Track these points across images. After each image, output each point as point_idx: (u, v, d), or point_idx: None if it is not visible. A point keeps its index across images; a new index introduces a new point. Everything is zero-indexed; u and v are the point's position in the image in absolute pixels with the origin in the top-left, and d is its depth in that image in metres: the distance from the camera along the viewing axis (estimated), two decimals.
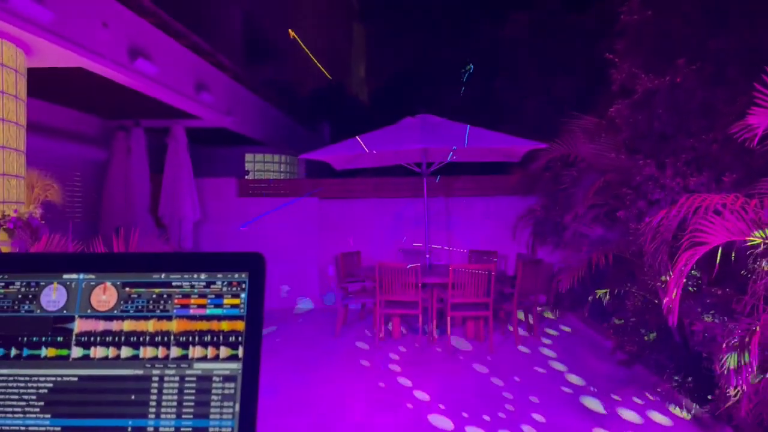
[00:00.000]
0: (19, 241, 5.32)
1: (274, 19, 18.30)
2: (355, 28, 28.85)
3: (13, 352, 0.91)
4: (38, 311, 0.93)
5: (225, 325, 0.91)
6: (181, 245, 9.76)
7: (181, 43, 8.49)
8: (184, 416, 0.88)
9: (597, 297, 7.51)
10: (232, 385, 0.89)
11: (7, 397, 0.89)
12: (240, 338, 0.91)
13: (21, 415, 0.88)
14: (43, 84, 7.04)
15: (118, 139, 9.70)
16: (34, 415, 0.88)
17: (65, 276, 0.94)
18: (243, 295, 0.92)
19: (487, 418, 5.16)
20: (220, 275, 0.93)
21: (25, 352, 0.91)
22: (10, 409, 0.88)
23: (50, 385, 0.89)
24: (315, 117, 19.11)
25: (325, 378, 6.31)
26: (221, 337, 0.91)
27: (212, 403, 0.88)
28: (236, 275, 0.93)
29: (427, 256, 8.61)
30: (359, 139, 7.92)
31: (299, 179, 14.78)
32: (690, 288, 5.38)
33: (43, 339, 0.92)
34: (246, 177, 13.97)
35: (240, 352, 0.90)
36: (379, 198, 10.63)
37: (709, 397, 4.98)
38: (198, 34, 8.94)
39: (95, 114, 9.65)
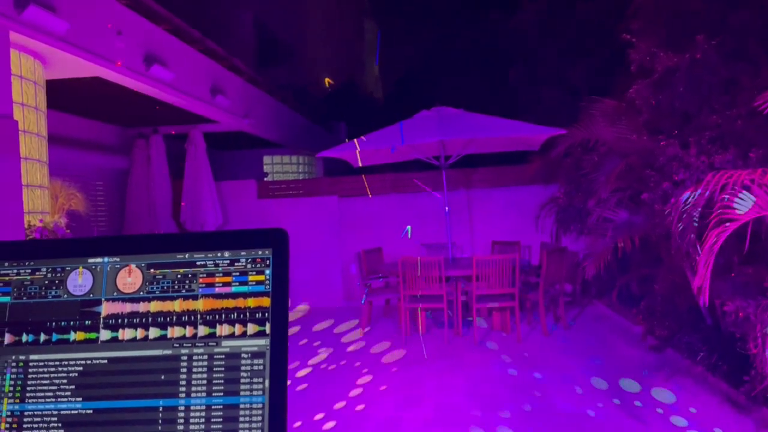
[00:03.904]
0: None
1: (286, 20, 18.36)
2: (367, 25, 28.83)
3: (43, 337, 0.91)
4: (65, 296, 0.93)
5: (251, 302, 0.91)
6: None
7: (196, 48, 8.55)
8: (214, 394, 0.87)
9: (624, 282, 7.42)
10: (261, 361, 0.88)
11: (38, 382, 0.89)
12: (266, 314, 0.90)
13: (53, 400, 0.88)
14: (63, 96, 7.14)
15: (138, 146, 9.80)
16: (65, 399, 0.88)
17: (90, 260, 0.94)
18: (267, 272, 0.92)
19: (519, 408, 5.12)
20: (243, 252, 0.93)
21: (54, 337, 0.91)
22: (42, 394, 0.89)
23: (80, 368, 0.89)
24: (331, 116, 19.15)
25: (352, 375, 6.31)
26: (248, 314, 0.90)
27: (242, 380, 0.87)
28: (260, 252, 0.92)
29: (452, 249, 8.57)
30: (380, 134, 7.91)
31: (318, 178, 14.82)
32: (720, 267, 5.28)
33: (71, 323, 0.92)
34: (265, 179, 14.04)
35: (267, 328, 0.89)
36: (399, 194, 10.61)
37: (745, 378, 4.88)
38: (211, 39, 9.00)
39: (114, 123, 9.77)
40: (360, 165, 9.56)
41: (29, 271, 0.94)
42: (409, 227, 10.19)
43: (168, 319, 0.91)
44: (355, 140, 8.39)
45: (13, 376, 0.89)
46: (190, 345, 0.89)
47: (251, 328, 0.89)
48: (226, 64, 9.69)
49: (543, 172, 9.68)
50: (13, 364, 0.90)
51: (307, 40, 20.74)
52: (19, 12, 4.97)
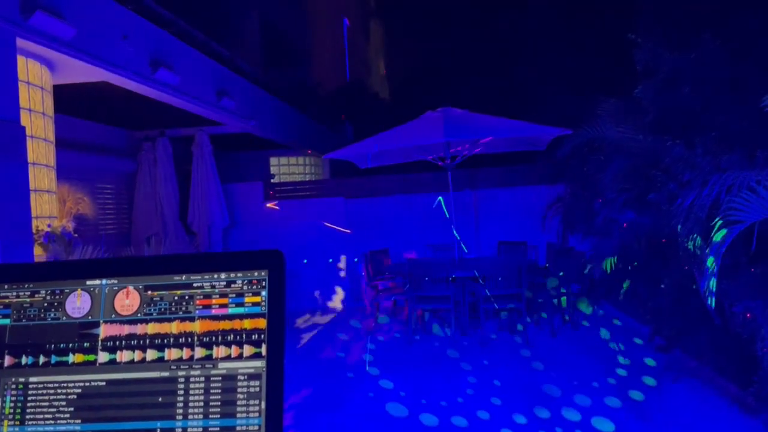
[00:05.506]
0: (54, 255, 5.44)
1: (291, 21, 18.38)
2: (373, 25, 28.80)
3: (42, 359, 0.92)
4: (64, 318, 0.94)
5: (247, 324, 0.91)
6: (212, 251, 9.88)
7: (201, 51, 8.58)
8: (211, 416, 0.88)
9: (631, 283, 7.38)
10: (257, 383, 0.89)
11: (37, 404, 0.90)
12: (263, 336, 0.91)
13: (52, 422, 0.89)
14: (70, 100, 7.18)
15: (145, 149, 9.85)
16: (64, 421, 0.89)
17: (88, 282, 0.95)
18: (264, 293, 0.92)
19: (526, 409, 5.11)
20: (240, 274, 0.93)
21: (53, 359, 0.92)
22: (41, 416, 0.90)
23: (79, 390, 0.90)
24: (337, 116, 19.16)
25: (359, 376, 6.33)
26: (244, 336, 0.91)
27: (238, 402, 0.88)
28: (256, 273, 0.93)
29: (461, 249, 8.56)
30: (381, 136, 7.91)
31: (324, 180, 14.84)
32: (728, 268, 5.25)
33: (70, 345, 0.93)
34: (271, 180, 14.07)
35: (263, 349, 0.90)
36: (405, 194, 10.61)
37: (753, 379, 4.85)
38: (217, 41, 9.02)
39: (121, 126, 9.82)
40: (366, 166, 9.58)
41: (28, 293, 0.95)
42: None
43: (165, 341, 0.91)
44: (361, 141, 8.40)
45: (13, 399, 0.90)
46: (187, 367, 0.90)
47: (247, 350, 0.90)
48: (231, 66, 9.71)
49: (549, 172, 9.65)
50: (13, 386, 0.91)
51: (313, 40, 20.76)
52: (26, 18, 5.00)
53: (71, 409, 0.90)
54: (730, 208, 3.94)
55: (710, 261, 4.07)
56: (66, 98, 6.86)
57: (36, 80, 5.61)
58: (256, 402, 0.88)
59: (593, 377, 5.84)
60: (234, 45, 10.73)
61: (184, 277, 0.94)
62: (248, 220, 10.76)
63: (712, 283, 4.10)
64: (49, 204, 5.76)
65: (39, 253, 5.43)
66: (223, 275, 0.94)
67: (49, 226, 5.54)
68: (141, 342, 0.92)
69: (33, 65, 5.57)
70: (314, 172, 15.88)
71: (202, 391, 0.89)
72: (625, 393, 5.39)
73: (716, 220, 4.06)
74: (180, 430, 0.88)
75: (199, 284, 0.93)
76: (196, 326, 0.92)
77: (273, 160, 14.62)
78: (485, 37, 18.41)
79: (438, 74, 20.32)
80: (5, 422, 0.89)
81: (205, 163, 10.06)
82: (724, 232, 3.91)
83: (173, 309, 0.93)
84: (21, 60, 5.32)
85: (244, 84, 10.28)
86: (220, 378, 0.89)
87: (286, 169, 14.94)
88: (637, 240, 6.08)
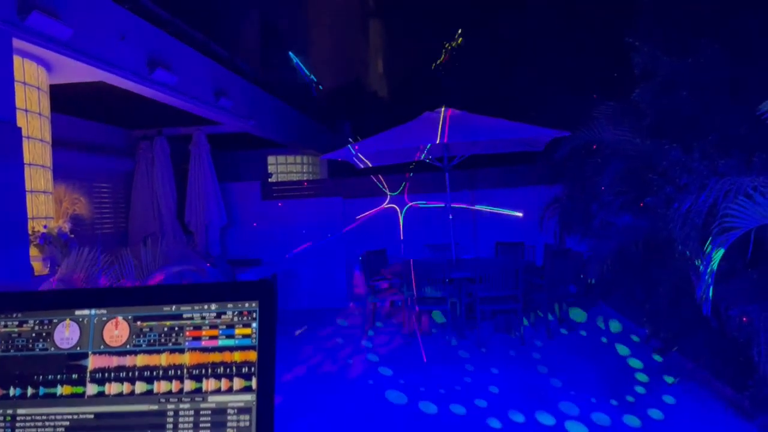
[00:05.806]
0: (50, 256, 5.42)
1: (290, 20, 18.33)
2: (372, 24, 28.71)
3: (30, 391, 0.91)
4: (52, 349, 0.93)
5: (237, 356, 0.90)
6: (209, 251, 9.87)
7: (199, 50, 8.55)
8: None
9: (629, 285, 7.38)
10: (247, 417, 0.88)
11: None
12: (253, 369, 0.90)
13: None
14: (67, 99, 7.16)
15: (142, 149, 9.82)
16: None
17: (77, 312, 0.94)
18: (254, 325, 0.91)
19: (523, 411, 5.11)
20: (230, 305, 0.92)
21: (41, 390, 0.91)
22: None
23: (67, 423, 0.89)
24: (335, 115, 19.12)
25: (358, 377, 6.32)
26: (234, 369, 0.90)
27: None
28: (246, 304, 0.92)
29: (456, 249, 8.55)
30: (379, 137, 7.89)
31: (322, 179, 14.81)
32: (724, 272, 5.24)
33: (58, 377, 0.92)
34: (269, 179, 14.04)
35: (254, 383, 0.89)
36: (403, 195, 10.61)
37: (749, 382, 4.85)
38: (215, 40, 8.99)
39: (119, 125, 9.79)
40: (367, 166, 9.56)
41: (17, 323, 0.94)
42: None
43: (154, 373, 0.91)
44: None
45: (1, 431, 0.89)
46: (176, 400, 0.89)
47: (237, 383, 0.89)
48: (229, 66, 9.68)
49: (547, 173, 9.65)
50: (0, 418, 0.90)
51: (313, 40, 20.71)
52: (23, 18, 4.97)
53: None
54: (726, 214, 3.94)
55: (706, 269, 4.06)
56: (63, 97, 6.83)
57: (32, 80, 5.59)
58: None
59: (588, 378, 5.85)
60: (233, 44, 10.69)
61: (173, 308, 0.93)
62: (246, 220, 10.75)
63: (707, 291, 4.09)
64: (46, 205, 5.75)
65: (35, 254, 5.41)
66: (213, 306, 0.93)
67: (45, 227, 5.52)
68: (130, 374, 0.91)
69: (29, 65, 5.55)
70: (312, 172, 15.85)
71: (191, 425, 0.88)
72: (621, 394, 5.39)
73: (713, 225, 4.05)
74: None
75: (189, 315, 0.93)
76: (186, 358, 0.91)
77: (271, 159, 14.59)
78: (485, 37, 18.36)
79: (438, 74, 20.27)
80: None
81: (202, 163, 10.04)
82: (720, 239, 3.90)
83: (163, 340, 0.92)
84: (17, 60, 5.30)
85: (243, 83, 10.25)
86: (209, 412, 0.89)
87: (284, 168, 14.90)
88: (635, 242, 6.08)
